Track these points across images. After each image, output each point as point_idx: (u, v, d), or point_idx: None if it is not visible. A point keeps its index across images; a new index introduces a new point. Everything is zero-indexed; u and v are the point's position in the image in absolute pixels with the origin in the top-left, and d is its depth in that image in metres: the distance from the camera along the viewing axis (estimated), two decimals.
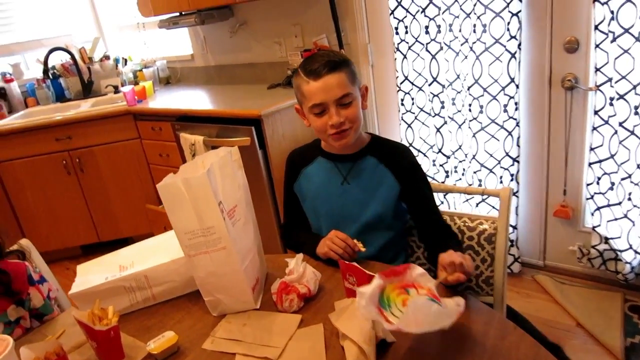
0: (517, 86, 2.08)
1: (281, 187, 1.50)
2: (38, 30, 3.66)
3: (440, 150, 2.39)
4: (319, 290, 1.16)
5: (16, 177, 3.01)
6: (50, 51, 3.34)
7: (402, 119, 2.48)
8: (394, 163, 1.33)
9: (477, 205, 2.38)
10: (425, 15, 2.17)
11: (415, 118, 2.43)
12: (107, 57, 3.66)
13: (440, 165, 2.42)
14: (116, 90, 3.46)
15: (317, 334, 1.02)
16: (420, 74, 2.32)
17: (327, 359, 0.94)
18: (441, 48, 2.19)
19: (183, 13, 2.99)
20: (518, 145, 2.18)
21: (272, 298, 1.14)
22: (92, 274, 1.22)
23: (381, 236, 1.34)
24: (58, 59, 3.56)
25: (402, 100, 2.43)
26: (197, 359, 1.01)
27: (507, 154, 2.19)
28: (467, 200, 2.41)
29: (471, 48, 2.09)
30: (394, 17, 2.29)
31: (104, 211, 3.17)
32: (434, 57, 2.23)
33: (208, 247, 1.07)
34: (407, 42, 2.29)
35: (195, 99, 3.02)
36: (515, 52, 2.01)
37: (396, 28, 2.30)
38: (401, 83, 2.40)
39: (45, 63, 3.33)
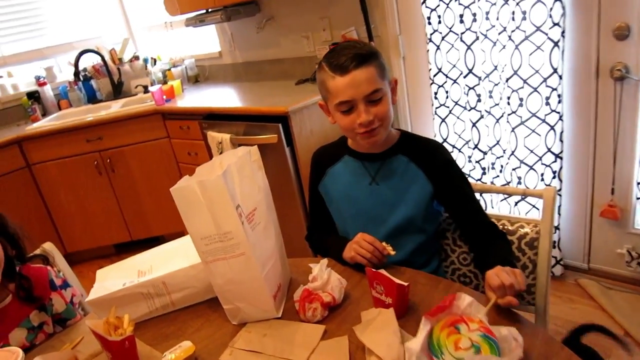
0: (561, 77, 1.93)
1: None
2: (69, 33, 3.71)
3: (476, 146, 2.27)
4: (344, 299, 1.08)
5: (50, 178, 3.05)
6: (81, 53, 3.37)
7: (436, 113, 2.36)
8: (426, 161, 1.23)
9: (516, 205, 2.25)
10: (460, 4, 2.05)
11: (450, 112, 2.31)
12: (136, 58, 3.67)
13: (477, 162, 2.30)
14: (146, 90, 3.47)
15: (341, 347, 0.94)
16: (454, 66, 2.21)
17: None
18: (477, 38, 2.07)
19: (209, 10, 2.95)
20: (561, 141, 2.04)
21: (294, 306, 1.06)
22: (110, 279, 1.18)
23: (412, 240, 1.25)
24: (89, 61, 3.59)
25: (436, 93, 2.32)
26: None
27: (549, 150, 2.06)
28: (505, 198, 2.28)
29: (510, 37, 1.96)
30: (426, 7, 2.18)
31: (135, 210, 3.18)
32: (469, 47, 2.11)
33: (226, 253, 1.00)
34: (441, 33, 2.18)
35: (222, 97, 2.98)
36: (559, 41, 1.87)
37: (428, 18, 2.19)
38: (434, 75, 2.28)
39: (76, 65, 3.36)
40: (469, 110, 2.22)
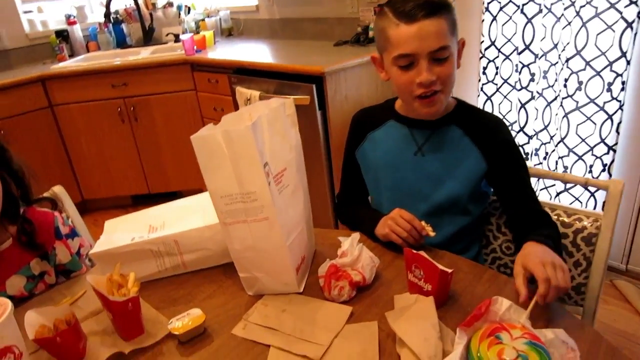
0: (629, 62, 1.74)
1: (339, 155, 1.29)
2: None
3: (522, 129, 2.10)
4: (375, 279, 0.96)
5: (72, 121, 2.97)
6: None
7: (482, 90, 2.19)
8: (483, 137, 1.09)
9: (557, 195, 2.09)
10: None
11: (497, 90, 2.14)
12: (170, 4, 3.52)
13: (520, 146, 2.14)
14: (177, 39, 3.34)
15: (370, 333, 0.82)
16: (509, 40, 2.02)
17: None
18: (540, 11, 1.88)
19: None
20: (617, 132, 1.86)
21: (318, 282, 0.95)
22: (119, 232, 1.08)
23: (454, 222, 1.11)
24: (121, 4, 3.47)
25: (485, 68, 2.14)
26: (225, 346, 0.85)
27: (603, 141, 1.88)
28: (546, 187, 2.12)
29: (577, 13, 1.77)
30: None
31: (155, 163, 3.09)
32: (529, 20, 1.92)
33: (247, 216, 0.89)
34: (499, 2, 1.99)
35: (255, 52, 2.84)
36: (633, 22, 1.67)
37: None
38: (486, 49, 2.10)
39: (108, 7, 3.23)
40: (519, 90, 2.05)
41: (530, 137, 2.10)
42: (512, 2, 1.94)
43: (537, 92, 1.99)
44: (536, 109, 2.02)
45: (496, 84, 2.13)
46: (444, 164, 1.10)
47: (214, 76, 2.72)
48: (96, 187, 3.14)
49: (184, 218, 1.07)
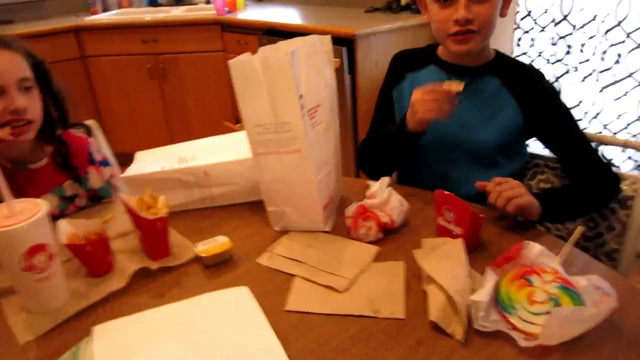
0: None
1: (366, 121, 1.27)
2: None
3: None
4: (403, 224, 0.96)
5: (102, 74, 3.00)
6: None
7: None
8: (521, 89, 1.07)
9: None
10: None
11: (531, 62, 2.09)
12: None
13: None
14: (208, 0, 3.33)
15: (396, 271, 0.82)
16: (546, 11, 1.97)
17: (406, 303, 0.75)
18: None
19: None
20: None
21: (345, 223, 0.95)
22: (149, 161, 1.10)
23: (485, 174, 1.09)
24: None
25: (519, 40, 2.09)
26: (250, 272, 0.86)
27: None
28: None
29: None
30: None
31: (181, 122, 3.11)
32: None
33: (279, 147, 0.89)
34: None
35: (286, 15, 2.81)
36: None
37: None
38: (521, 19, 2.05)
39: None
40: (553, 64, 2.00)
41: None
42: None
43: (573, 67, 1.94)
44: (570, 84, 1.97)
45: (530, 57, 2.09)
46: (479, 113, 1.08)
47: (243, 37, 2.70)
48: (122, 141, 3.15)
49: (215, 153, 1.08)
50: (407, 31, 2.27)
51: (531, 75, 1.09)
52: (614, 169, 1.07)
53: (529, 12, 2.02)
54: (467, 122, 1.08)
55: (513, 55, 2.13)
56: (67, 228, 0.85)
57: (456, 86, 0.95)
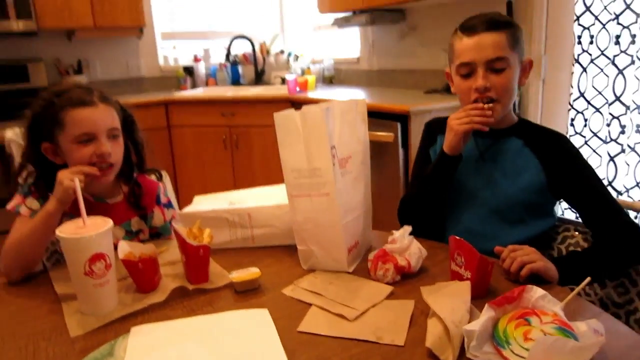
0: None
1: None
2: (231, 22, 4.07)
3: (610, 184, 2.03)
4: (420, 270, 1.02)
5: (183, 141, 3.34)
6: (235, 38, 3.67)
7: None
8: (544, 149, 1.14)
9: None
10: (619, 23, 1.88)
11: (585, 143, 2.11)
12: (281, 52, 3.91)
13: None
14: (283, 81, 3.67)
15: (404, 308, 0.88)
16: (600, 93, 2.01)
17: (408, 335, 0.80)
18: (632, 62, 1.87)
19: (357, 12, 3.05)
20: None
21: (367, 266, 1.02)
22: (204, 204, 1.25)
23: (511, 232, 1.14)
24: (240, 49, 3.90)
25: (573, 120, 2.13)
26: (274, 300, 0.95)
27: None
28: None
29: None
30: (579, 24, 2.03)
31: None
32: (621, 72, 1.91)
33: (311, 190, 1.00)
34: (590, 54, 2.01)
35: (350, 94, 3.04)
36: None
37: (579, 37, 2.04)
38: (574, 100, 2.10)
39: (229, 49, 3.67)
40: (608, 143, 2.00)
41: (619, 194, 2.02)
42: (604, 55, 1.95)
43: (629, 146, 1.94)
44: (627, 164, 1.96)
45: (584, 137, 2.10)
46: (503, 173, 1.15)
47: None
48: (191, 198, 3.44)
49: (260, 199, 1.21)
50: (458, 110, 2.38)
51: (553, 136, 1.16)
52: None
53: (582, 93, 2.07)
54: (491, 181, 1.15)
55: (567, 135, 2.17)
56: (125, 247, 0.99)
57: (486, 108, 1.08)
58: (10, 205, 1.18)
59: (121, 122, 1.25)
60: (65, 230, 0.90)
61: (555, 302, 0.79)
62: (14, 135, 2.63)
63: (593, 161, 2.10)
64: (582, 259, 1.04)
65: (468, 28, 1.11)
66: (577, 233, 1.18)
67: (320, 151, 0.98)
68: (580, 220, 1.16)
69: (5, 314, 0.95)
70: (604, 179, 2.06)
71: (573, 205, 1.14)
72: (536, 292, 0.80)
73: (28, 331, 0.88)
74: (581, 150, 2.07)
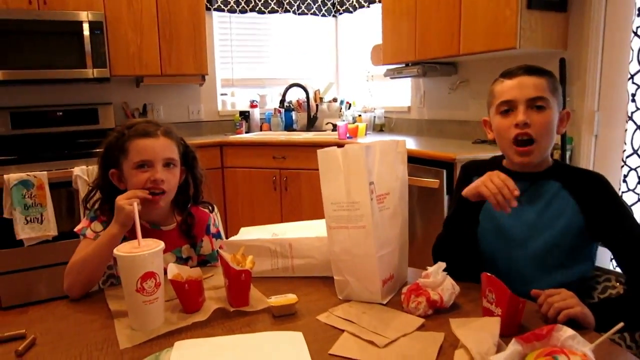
0: None
1: None
2: (287, 69, 4.30)
3: None
4: (453, 306, 1.03)
5: (235, 182, 3.49)
6: (290, 86, 3.86)
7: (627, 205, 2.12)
8: (581, 191, 1.14)
9: None
10: None
11: (639, 199, 2.05)
12: (334, 100, 4.06)
13: None
14: (334, 128, 3.79)
15: (434, 340, 0.90)
16: None
17: None
18: None
19: (409, 64, 3.15)
20: None
21: (400, 299, 1.05)
22: (249, 234, 1.32)
23: (550, 276, 1.14)
24: (295, 96, 4.09)
25: (626, 176, 2.09)
26: (308, 325, 0.99)
27: None
28: None
29: None
30: (633, 82, 2.02)
31: None
32: None
33: (349, 222, 1.06)
34: None
35: None
36: None
37: (633, 94, 2.03)
38: (627, 157, 2.07)
39: (284, 96, 3.86)
40: None
41: None
42: None
43: None
44: None
45: (637, 194, 2.05)
46: (541, 215, 1.16)
47: None
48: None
49: (301, 231, 1.28)
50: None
51: (590, 178, 1.17)
52: None
53: (635, 150, 2.04)
54: (529, 224, 1.17)
55: (620, 192, 2.12)
56: (174, 269, 1.07)
57: (516, 191, 1.05)
58: (77, 228, 1.30)
59: (182, 157, 1.37)
60: (122, 250, 0.99)
61: (585, 343, 0.79)
62: (80, 172, 2.87)
63: None
64: (617, 305, 1.03)
65: (508, 73, 1.17)
66: (618, 284, 1.16)
67: (359, 186, 1.03)
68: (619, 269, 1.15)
69: (64, 325, 1.04)
70: None
71: (609, 247, 1.13)
72: (566, 332, 0.80)
73: (83, 342, 0.96)
74: (634, 207, 2.04)
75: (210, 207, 1.50)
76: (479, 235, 1.26)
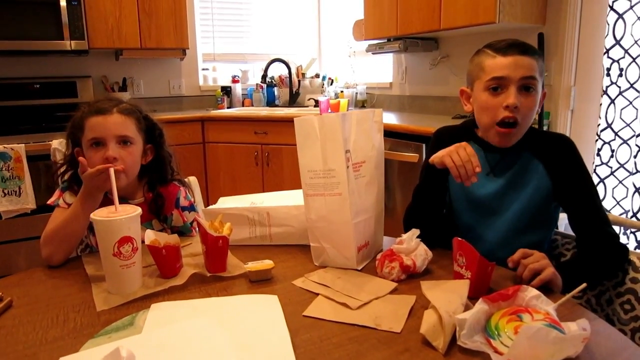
0: None
1: None
2: (269, 45, 4.25)
3: (635, 215, 2.02)
4: (425, 271, 1.06)
5: (216, 157, 3.47)
6: (272, 61, 3.83)
7: (595, 172, 2.17)
8: (549, 156, 1.18)
9: None
10: None
11: (612, 173, 2.11)
12: (317, 76, 4.04)
13: (632, 233, 2.04)
14: (316, 103, 3.78)
15: (405, 302, 0.93)
16: (628, 125, 2.02)
17: (405, 324, 0.85)
18: None
19: (391, 39, 3.15)
20: None
21: (375, 265, 1.08)
22: (227, 203, 1.33)
23: (520, 239, 1.18)
24: (277, 71, 4.06)
25: (600, 150, 2.14)
26: (284, 289, 1.01)
27: None
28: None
29: None
30: (608, 57, 2.05)
31: None
32: None
33: (325, 190, 1.07)
34: (619, 87, 2.03)
35: None
36: None
37: (608, 69, 2.06)
38: (602, 131, 2.11)
39: (266, 71, 3.83)
40: (634, 174, 2.00)
41: None
42: (633, 88, 1.97)
43: None
44: None
45: (611, 167, 2.10)
46: (512, 183, 1.19)
47: None
48: None
49: (279, 200, 1.29)
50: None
51: (558, 141, 1.20)
52: None
53: (610, 124, 2.08)
54: (501, 193, 1.20)
55: (593, 166, 2.17)
56: (151, 235, 1.08)
57: (478, 168, 1.07)
58: (51, 200, 1.30)
59: (147, 134, 1.35)
60: (99, 214, 0.99)
61: (548, 302, 0.83)
62: (59, 145, 2.82)
63: (619, 192, 2.09)
64: (577, 267, 1.07)
65: (503, 49, 1.14)
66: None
67: (335, 153, 1.05)
68: None
69: (42, 289, 1.05)
70: (628, 210, 2.05)
71: (566, 208, 1.18)
72: (530, 292, 0.84)
73: (60, 304, 0.96)
74: (607, 181, 2.10)
75: (180, 182, 1.47)
76: (454, 209, 1.28)
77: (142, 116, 1.35)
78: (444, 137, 1.32)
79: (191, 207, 1.46)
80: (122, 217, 0.98)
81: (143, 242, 1.05)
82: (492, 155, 1.23)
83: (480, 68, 1.19)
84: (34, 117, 3.26)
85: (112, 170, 1.09)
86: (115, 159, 1.22)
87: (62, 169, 1.36)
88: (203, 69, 4.06)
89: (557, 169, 1.17)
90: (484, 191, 1.22)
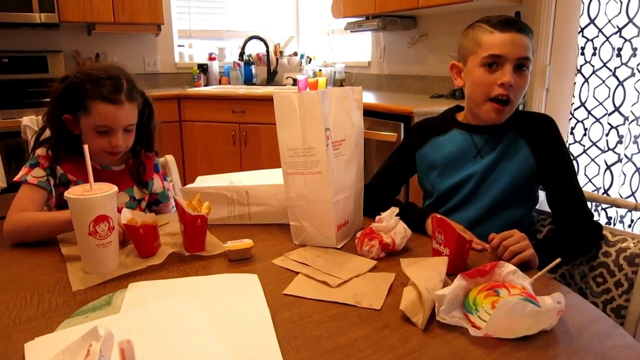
0: None
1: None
2: (246, 22, 4.17)
3: (606, 192, 2.07)
4: (404, 249, 1.07)
5: (193, 136, 3.42)
6: (250, 38, 3.76)
7: (569, 150, 2.21)
8: (533, 135, 1.20)
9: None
10: (621, 36, 1.92)
11: (584, 152, 2.15)
12: (295, 54, 3.99)
13: (603, 209, 2.09)
14: (294, 82, 3.74)
15: (385, 279, 0.94)
16: (601, 104, 2.06)
17: (385, 301, 0.86)
18: (632, 74, 1.91)
19: (369, 17, 3.12)
20: None
21: (355, 244, 1.08)
22: (206, 182, 1.31)
23: (502, 216, 1.21)
24: (255, 49, 3.99)
25: (573, 128, 2.17)
26: (263, 268, 1.01)
27: None
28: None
29: None
30: (583, 36, 2.07)
31: None
32: (621, 83, 1.96)
33: (305, 168, 1.06)
34: (593, 65, 2.05)
35: None
36: None
37: (582, 48, 2.08)
38: (575, 110, 2.15)
39: (243, 49, 3.76)
40: (605, 152, 2.04)
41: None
42: (606, 67, 2.00)
43: (626, 156, 1.97)
44: (624, 173, 1.99)
45: (583, 145, 2.15)
46: (498, 163, 1.21)
47: None
48: None
49: (258, 179, 1.28)
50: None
51: (540, 121, 1.22)
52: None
53: (583, 103, 2.12)
54: (489, 174, 1.21)
55: (567, 144, 2.21)
56: (128, 214, 1.06)
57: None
58: (17, 177, 1.27)
59: (140, 111, 1.35)
60: (74, 192, 0.97)
61: (524, 277, 0.84)
62: (29, 122, 2.74)
63: (591, 170, 2.14)
64: (553, 245, 1.09)
65: (501, 25, 1.14)
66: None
67: (315, 131, 1.04)
68: None
69: (15, 269, 1.02)
70: (600, 187, 2.10)
71: (545, 186, 1.21)
72: (507, 268, 0.86)
73: (34, 284, 0.94)
74: (580, 159, 2.14)
75: (155, 153, 1.50)
76: (442, 187, 1.29)
77: (140, 94, 1.36)
78: (428, 127, 1.33)
79: (164, 178, 1.50)
80: (97, 195, 0.95)
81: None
82: (479, 136, 1.24)
83: (476, 43, 1.18)
84: (3, 93, 3.16)
85: (86, 147, 1.06)
86: (121, 147, 1.28)
87: (41, 134, 1.34)
88: (179, 46, 3.98)
89: (541, 148, 1.19)
90: (472, 171, 1.23)
